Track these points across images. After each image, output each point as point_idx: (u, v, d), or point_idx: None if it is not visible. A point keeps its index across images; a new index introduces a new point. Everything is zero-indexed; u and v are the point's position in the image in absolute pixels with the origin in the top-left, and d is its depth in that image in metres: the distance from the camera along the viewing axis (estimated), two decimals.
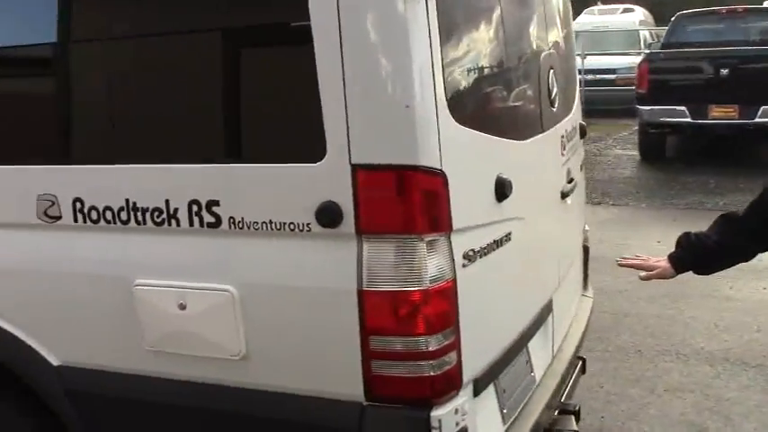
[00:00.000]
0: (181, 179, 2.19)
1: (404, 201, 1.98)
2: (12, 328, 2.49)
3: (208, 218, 2.16)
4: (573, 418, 2.93)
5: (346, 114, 1.95)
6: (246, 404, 2.23)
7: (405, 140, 1.95)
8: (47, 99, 2.46)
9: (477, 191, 2.20)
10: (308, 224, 2.04)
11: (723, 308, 5.44)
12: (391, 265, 2.01)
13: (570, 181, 3.04)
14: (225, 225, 2.14)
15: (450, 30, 2.09)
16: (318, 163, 2.00)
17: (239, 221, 2.13)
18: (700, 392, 4.19)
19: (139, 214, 2.25)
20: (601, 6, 21.49)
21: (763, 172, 6.83)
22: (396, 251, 2.00)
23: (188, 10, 2.21)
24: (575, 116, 3.23)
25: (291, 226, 2.06)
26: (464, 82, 2.20)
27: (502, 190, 2.27)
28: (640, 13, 20.11)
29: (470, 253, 2.15)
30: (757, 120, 9.86)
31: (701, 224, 2.66)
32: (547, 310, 2.84)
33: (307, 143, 2.02)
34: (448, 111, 2.02)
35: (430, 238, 2.01)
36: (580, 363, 3.37)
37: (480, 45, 2.33)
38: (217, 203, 2.15)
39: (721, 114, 10.13)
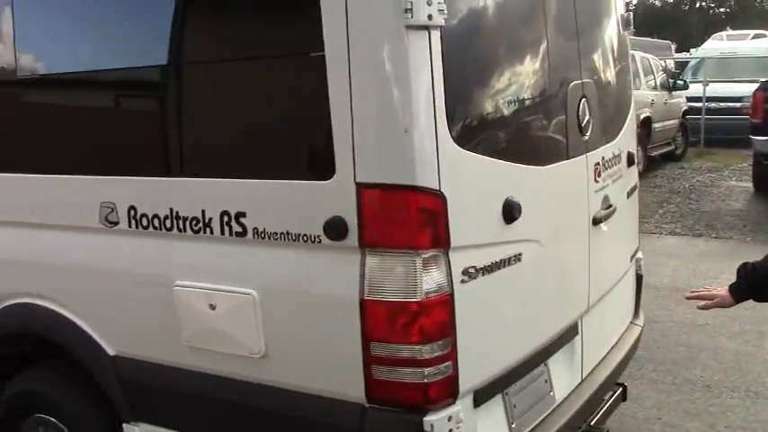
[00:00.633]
0: (214, 192, 2.44)
1: (402, 218, 2.15)
2: (76, 319, 2.81)
3: (236, 227, 2.40)
4: None
5: (353, 137, 2.14)
6: (265, 399, 2.44)
7: (404, 162, 2.12)
8: (110, 119, 2.79)
9: (482, 212, 2.33)
10: (318, 236, 2.24)
11: None
12: (390, 277, 2.17)
13: (608, 207, 3.09)
14: (250, 235, 2.37)
15: (457, 61, 2.24)
16: (328, 181, 2.20)
17: (262, 231, 2.35)
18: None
19: (180, 222, 2.51)
20: (730, 32, 20.76)
21: None
22: (394, 264, 2.16)
23: (227, 43, 2.46)
24: (620, 143, 3.28)
25: (305, 237, 2.27)
26: (470, 110, 2.35)
27: (510, 212, 2.39)
28: None
29: (471, 270, 2.28)
30: None
31: None
32: (571, 332, 2.91)
33: (319, 163, 2.23)
34: (449, 136, 2.17)
35: (427, 254, 2.16)
36: (620, 390, 3.40)
37: (491, 76, 2.46)
38: (244, 215, 2.38)
39: None
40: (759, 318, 5.76)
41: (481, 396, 2.39)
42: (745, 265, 2.67)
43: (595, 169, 2.98)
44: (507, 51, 2.55)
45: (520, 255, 2.48)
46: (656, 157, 13.69)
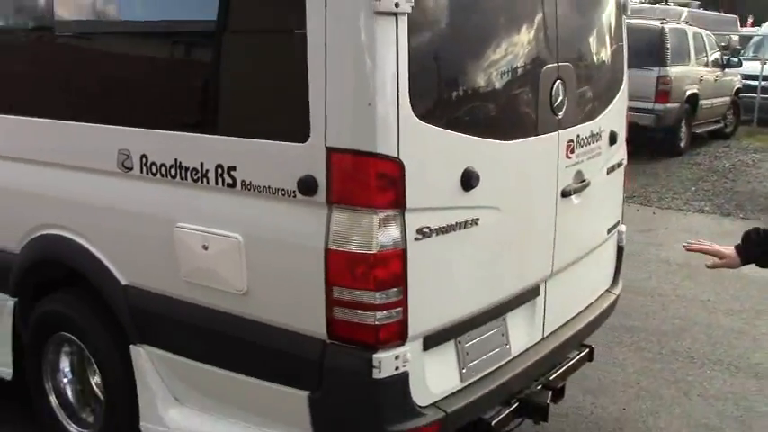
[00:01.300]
0: (211, 147, 2.78)
1: (363, 180, 2.46)
2: (95, 251, 3.21)
3: (228, 179, 2.74)
4: (549, 393, 3.27)
5: (325, 107, 2.46)
6: (245, 330, 2.80)
7: (366, 131, 2.42)
8: (128, 79, 3.14)
9: (439, 179, 2.63)
10: (293, 191, 2.57)
11: None
12: (351, 231, 2.49)
13: (581, 182, 3.34)
14: (239, 186, 2.71)
15: (423, 44, 2.53)
16: (304, 144, 2.52)
17: (248, 184, 2.69)
18: (732, 402, 4.31)
19: (183, 171, 2.87)
20: None
21: None
22: (355, 220, 2.48)
23: (228, 18, 2.78)
24: (601, 123, 3.50)
25: (282, 192, 2.60)
26: (433, 88, 2.63)
27: (468, 181, 2.67)
28: None
29: (426, 230, 2.58)
30: None
31: None
32: (532, 292, 3.19)
33: (297, 127, 2.54)
34: (411, 110, 2.46)
35: (384, 213, 2.47)
36: (586, 351, 3.68)
37: (458, 58, 2.73)
38: (234, 168, 2.72)
39: None
40: (761, 297, 5.93)
41: (431, 341, 2.71)
42: (756, 230, 2.77)
43: (568, 146, 3.23)
44: (477, 36, 2.81)
45: (477, 219, 2.77)
46: (703, 134, 13.62)
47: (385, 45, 2.39)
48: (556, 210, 3.22)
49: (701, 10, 21.94)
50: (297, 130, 2.54)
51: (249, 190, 2.69)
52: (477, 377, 2.94)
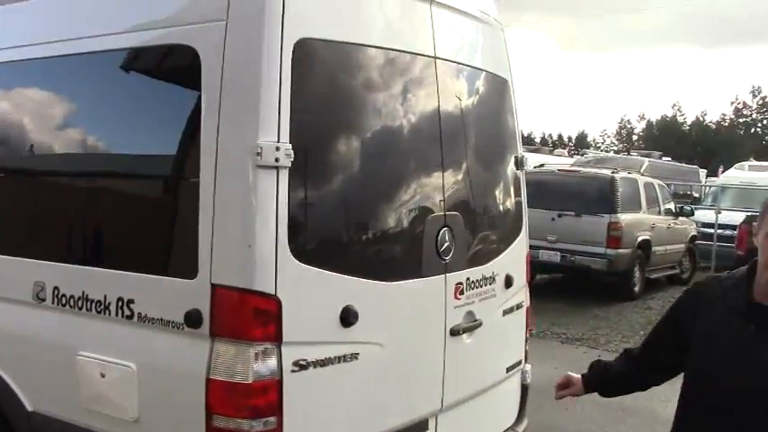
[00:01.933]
0: (114, 280, 3.02)
1: (242, 314, 2.69)
2: (6, 377, 3.37)
3: (127, 311, 2.96)
4: None
5: (212, 247, 2.72)
6: None
7: (246, 270, 2.68)
8: (47, 214, 3.43)
9: (317, 315, 2.86)
10: (181, 324, 2.79)
11: None
12: (229, 361, 2.70)
13: (473, 321, 3.57)
14: (135, 318, 2.93)
15: (304, 191, 2.82)
16: (193, 280, 2.76)
17: (144, 316, 2.91)
18: None
19: (89, 303, 3.09)
20: (753, 162, 21.17)
21: None
22: (234, 351, 2.69)
23: (135, 168, 3.10)
24: (495, 267, 3.77)
25: (172, 324, 2.82)
26: (313, 233, 2.91)
27: (347, 318, 2.91)
28: None
29: (302, 362, 2.79)
30: None
31: None
32: (420, 425, 3.35)
33: (188, 265, 2.79)
34: (290, 252, 2.73)
35: (261, 346, 2.69)
36: None
37: (340, 208, 3.04)
38: (133, 301, 2.95)
39: None
40: None
41: None
42: (598, 362, 2.98)
43: (457, 288, 3.48)
44: (360, 187, 3.11)
45: (357, 354, 2.98)
46: (661, 278, 13.97)
47: (266, 194, 2.68)
48: (444, 347, 3.43)
49: (663, 160, 23.00)
50: (187, 267, 2.79)
51: (144, 322, 2.91)
52: None
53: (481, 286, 3.67)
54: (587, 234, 11.73)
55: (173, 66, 3.07)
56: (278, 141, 2.67)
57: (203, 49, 2.80)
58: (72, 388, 3.11)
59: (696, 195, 21.39)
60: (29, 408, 3.30)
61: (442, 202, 3.41)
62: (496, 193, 3.96)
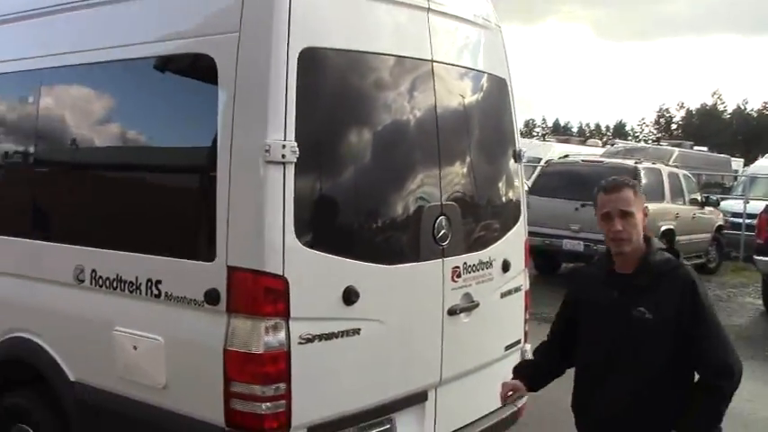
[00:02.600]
0: (144, 264, 3.41)
1: (254, 292, 3.05)
2: (51, 351, 3.78)
3: (155, 291, 3.35)
4: None
5: (227, 234, 3.09)
6: (164, 420, 3.32)
7: (257, 254, 3.04)
8: (87, 207, 3.83)
9: (321, 294, 3.21)
10: (202, 301, 3.16)
11: None
12: (244, 334, 3.06)
13: (470, 302, 3.90)
14: (163, 297, 3.32)
15: (309, 185, 3.18)
16: (211, 263, 3.14)
17: (170, 294, 3.29)
18: None
19: (122, 284, 3.48)
20: None
21: None
22: (247, 325, 3.06)
23: (157, 162, 3.49)
24: (492, 252, 4.09)
25: (194, 302, 3.20)
26: (318, 220, 3.26)
27: (349, 297, 3.26)
28: None
29: (308, 335, 3.15)
30: None
31: None
32: (419, 396, 3.69)
33: (207, 249, 3.17)
34: (295, 238, 3.08)
35: (270, 320, 3.05)
36: None
37: (343, 197, 3.39)
38: (161, 282, 3.33)
39: None
40: None
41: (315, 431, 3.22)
42: (527, 360, 3.41)
43: (454, 271, 3.81)
44: (363, 179, 3.45)
45: (358, 329, 3.33)
46: None
47: (274, 186, 3.04)
48: (443, 325, 3.77)
49: (695, 149, 22.93)
50: (206, 251, 3.17)
51: (170, 300, 3.29)
52: None
53: (478, 270, 3.99)
54: None
55: (193, 72, 3.43)
56: (284, 140, 3.02)
57: (219, 57, 3.16)
58: (109, 359, 3.51)
59: (728, 185, 21.33)
60: (72, 378, 3.71)
61: (439, 193, 3.74)
62: (493, 184, 4.28)
